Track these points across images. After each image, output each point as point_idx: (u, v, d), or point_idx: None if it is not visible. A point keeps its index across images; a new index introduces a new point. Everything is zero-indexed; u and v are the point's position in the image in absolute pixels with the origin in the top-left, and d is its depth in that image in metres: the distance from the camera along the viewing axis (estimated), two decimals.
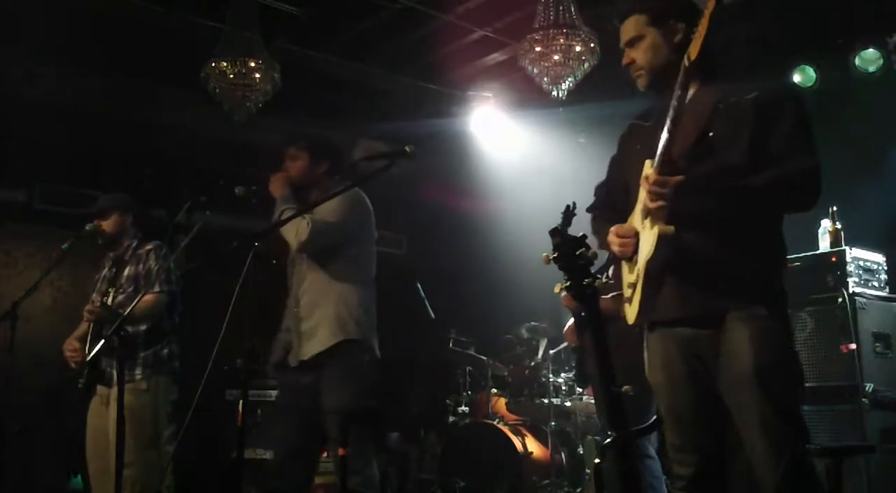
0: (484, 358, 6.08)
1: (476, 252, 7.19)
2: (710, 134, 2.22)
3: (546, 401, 5.61)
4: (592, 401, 5.41)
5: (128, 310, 3.37)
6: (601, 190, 4.04)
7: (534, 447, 5.42)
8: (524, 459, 5.30)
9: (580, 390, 5.67)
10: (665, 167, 2.18)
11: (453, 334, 6.33)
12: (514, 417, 5.84)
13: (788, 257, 2.37)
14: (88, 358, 3.68)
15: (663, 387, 2.37)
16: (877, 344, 4.30)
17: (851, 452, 3.62)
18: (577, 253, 1.99)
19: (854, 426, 4.09)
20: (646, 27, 2.39)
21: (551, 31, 4.11)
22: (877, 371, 4.23)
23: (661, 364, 2.36)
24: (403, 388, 6.78)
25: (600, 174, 4.12)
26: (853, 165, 4.70)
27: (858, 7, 4.86)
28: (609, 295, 3.66)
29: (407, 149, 2.98)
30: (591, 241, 2.04)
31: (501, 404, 5.96)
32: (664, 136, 2.19)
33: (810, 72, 5.17)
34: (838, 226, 4.52)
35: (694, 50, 2.19)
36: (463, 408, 6.11)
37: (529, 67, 4.26)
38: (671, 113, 2.20)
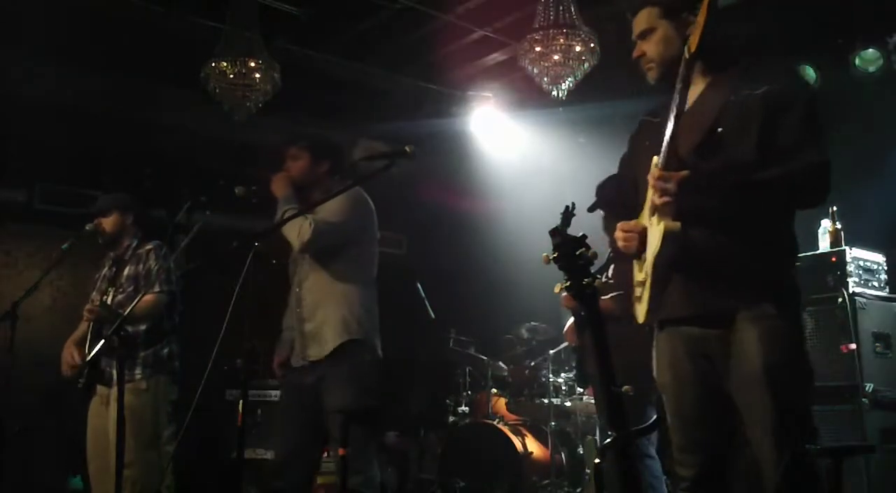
0: (484, 358, 6.08)
1: (476, 252, 7.19)
2: (719, 130, 2.20)
3: (546, 401, 5.62)
4: (592, 401, 5.41)
5: (128, 310, 3.37)
6: (602, 189, 4.05)
7: (534, 447, 5.42)
8: (524, 459, 5.30)
9: (580, 390, 5.67)
10: (670, 163, 2.16)
11: (453, 334, 6.33)
12: (514, 417, 5.84)
13: None
14: (88, 358, 3.68)
15: (670, 386, 2.35)
16: (877, 344, 4.30)
17: (851, 452, 3.62)
18: (577, 253, 1.99)
19: (854, 426, 4.09)
20: (658, 19, 2.37)
21: (551, 31, 4.10)
22: (877, 371, 4.23)
23: (669, 363, 2.35)
24: (403, 388, 6.78)
25: (600, 174, 4.12)
26: (853, 165, 4.69)
27: (858, 7, 4.85)
28: (608, 295, 3.67)
29: (407, 149, 2.98)
30: (592, 241, 2.03)
31: (501, 404, 5.96)
32: (668, 131, 2.18)
33: (810, 72, 5.16)
34: (838, 226, 4.52)
35: (693, 42, 2.19)
36: (463, 408, 6.11)
37: (529, 67, 4.26)
38: (673, 109, 2.19)
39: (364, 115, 6.33)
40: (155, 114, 5.83)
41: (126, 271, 4.00)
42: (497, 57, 5.63)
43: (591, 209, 3.99)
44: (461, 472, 5.46)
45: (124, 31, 5.00)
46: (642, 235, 2.31)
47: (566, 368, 5.86)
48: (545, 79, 4.28)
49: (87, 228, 4.07)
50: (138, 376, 3.85)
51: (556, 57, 4.16)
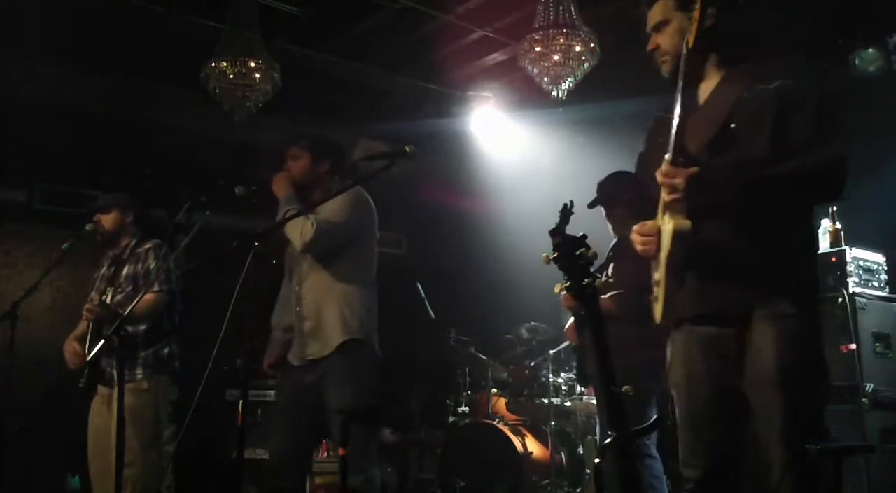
0: (484, 358, 6.08)
1: (476, 252, 7.19)
2: (732, 126, 2.17)
3: (546, 401, 5.61)
4: (593, 401, 5.41)
5: (127, 310, 3.37)
6: (603, 187, 4.05)
7: (534, 447, 5.42)
8: (524, 459, 5.30)
9: (581, 389, 5.67)
10: (678, 159, 2.14)
11: (453, 334, 6.32)
12: (514, 417, 5.83)
13: None
14: (88, 358, 3.68)
15: (681, 385, 2.33)
16: (877, 344, 4.30)
17: (851, 452, 3.61)
18: (577, 253, 1.99)
19: (854, 426, 4.09)
20: (672, 11, 2.33)
21: (551, 31, 4.10)
22: (877, 371, 4.23)
23: (682, 362, 2.32)
24: (403, 388, 6.78)
25: (600, 174, 4.14)
26: (853, 165, 4.69)
27: (858, 7, 4.85)
28: (607, 295, 3.67)
29: (407, 149, 2.98)
30: (592, 241, 2.03)
31: (501, 404, 5.96)
32: (674, 127, 2.16)
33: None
34: (838, 226, 4.52)
35: (691, 37, 2.18)
36: (463, 408, 6.11)
37: (529, 67, 4.25)
38: (677, 106, 2.18)
39: (364, 115, 6.33)
40: (155, 114, 5.83)
41: (125, 271, 3.99)
42: (497, 57, 5.63)
43: (591, 205, 4.01)
44: (461, 472, 5.45)
45: (124, 31, 5.00)
46: (659, 235, 2.28)
47: (566, 368, 5.86)
48: (545, 79, 4.28)
49: (87, 227, 4.08)
50: (139, 377, 3.85)
51: (556, 57, 4.16)
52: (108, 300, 3.90)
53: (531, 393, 5.85)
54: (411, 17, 5.06)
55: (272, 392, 5.35)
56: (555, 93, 4.34)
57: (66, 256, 4.06)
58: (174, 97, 5.65)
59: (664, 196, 2.16)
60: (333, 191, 3.44)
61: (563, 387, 5.77)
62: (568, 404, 5.70)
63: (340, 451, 3.15)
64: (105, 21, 4.86)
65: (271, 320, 3.76)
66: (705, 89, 2.33)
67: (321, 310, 3.50)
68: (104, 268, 4.15)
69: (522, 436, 5.45)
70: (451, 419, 6.09)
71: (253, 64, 4.40)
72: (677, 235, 2.14)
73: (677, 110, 2.17)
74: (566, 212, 2.13)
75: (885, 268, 4.58)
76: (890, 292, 4.54)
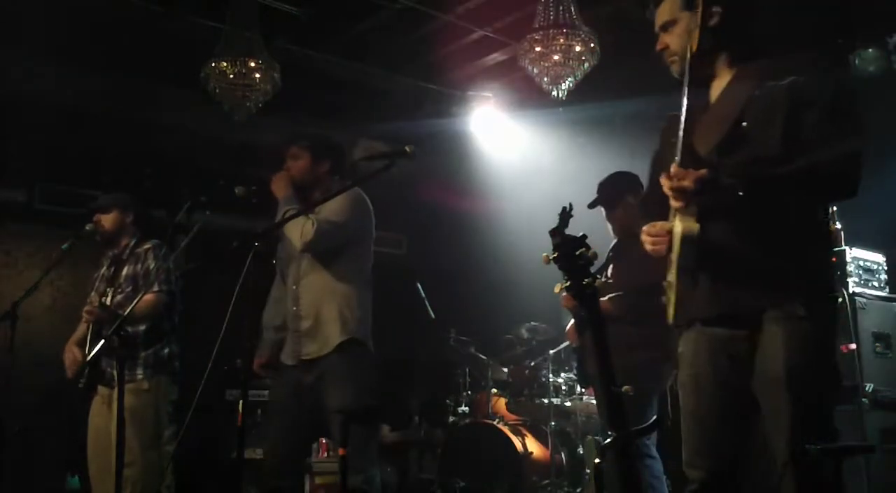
0: (484, 358, 6.08)
1: (476, 252, 7.18)
2: (744, 124, 2.14)
3: (546, 401, 5.61)
4: (593, 401, 5.41)
5: (127, 310, 3.36)
6: (603, 187, 4.05)
7: (534, 447, 5.42)
8: (524, 459, 5.29)
9: (581, 389, 5.67)
10: (686, 161, 2.12)
11: (453, 334, 6.32)
12: (514, 417, 5.83)
13: None
14: (88, 358, 3.68)
15: (689, 386, 2.31)
16: (877, 344, 4.30)
17: (851, 452, 3.61)
18: (577, 253, 1.99)
19: (854, 426, 4.09)
20: (680, 11, 2.30)
21: (551, 31, 4.10)
22: (877, 371, 4.23)
23: (690, 363, 2.30)
24: (403, 388, 6.78)
25: (600, 174, 4.14)
26: None
27: (858, 7, 4.85)
28: (606, 297, 3.67)
29: (407, 149, 2.97)
30: (592, 241, 2.03)
31: (501, 404, 5.95)
32: (681, 130, 2.14)
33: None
34: (838, 226, 4.51)
35: (694, 42, 2.17)
36: (463, 408, 6.10)
37: (529, 67, 4.25)
38: (683, 111, 2.16)
39: (364, 115, 6.33)
40: (155, 114, 5.83)
41: (125, 271, 3.99)
42: (497, 57, 5.63)
43: (591, 206, 4.01)
44: (461, 472, 5.45)
45: (124, 31, 5.00)
46: (669, 236, 2.26)
47: (566, 368, 5.86)
48: (545, 79, 4.27)
49: (87, 227, 4.08)
50: (139, 377, 3.85)
51: (556, 57, 4.16)
52: (108, 301, 3.90)
53: (531, 393, 5.84)
54: (411, 17, 5.06)
55: None
56: (555, 93, 4.34)
57: (66, 256, 4.06)
58: (174, 97, 5.65)
59: (672, 200, 2.14)
60: (333, 191, 3.44)
61: (563, 387, 5.77)
62: (568, 404, 5.70)
63: (340, 451, 3.15)
64: (105, 21, 4.86)
65: (262, 319, 3.75)
66: (717, 87, 2.31)
67: (320, 309, 3.49)
68: (103, 268, 4.15)
69: (522, 436, 5.45)
70: (451, 418, 6.09)
71: (253, 64, 4.40)
72: (685, 239, 2.13)
73: (683, 113, 2.15)
74: (565, 215, 2.13)
75: (885, 268, 4.58)
76: (890, 292, 4.54)
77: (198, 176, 5.55)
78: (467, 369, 6.22)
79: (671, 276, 2.27)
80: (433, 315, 6.33)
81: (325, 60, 5.56)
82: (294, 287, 3.58)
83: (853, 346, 4.18)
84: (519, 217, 6.38)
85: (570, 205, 2.20)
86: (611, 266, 3.99)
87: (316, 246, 3.45)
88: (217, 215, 3.48)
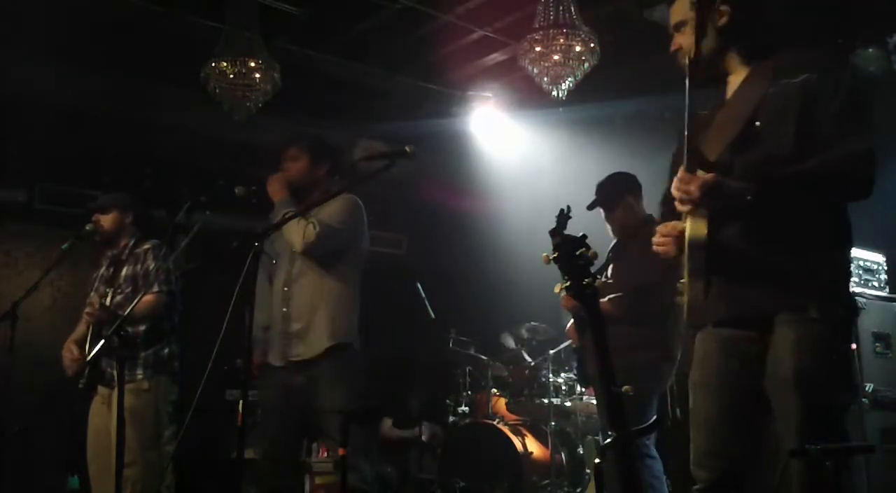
0: (484, 358, 6.08)
1: (476, 252, 7.18)
2: (757, 124, 2.12)
3: (546, 401, 5.61)
4: (593, 401, 5.41)
5: (127, 311, 3.36)
6: (601, 188, 4.05)
7: (534, 447, 5.42)
8: (524, 459, 5.29)
9: (581, 389, 5.67)
10: (693, 165, 2.11)
11: (453, 334, 6.33)
12: (514, 417, 5.83)
13: None
14: (88, 358, 3.68)
15: (699, 387, 2.30)
16: (877, 344, 4.30)
17: (851, 452, 3.61)
18: (577, 253, 1.99)
19: (854, 426, 4.08)
20: (690, 11, 2.27)
21: (551, 31, 4.09)
22: (877, 371, 4.22)
23: (701, 364, 2.30)
24: (403, 388, 6.78)
25: (600, 174, 4.14)
26: None
27: (858, 7, 4.85)
28: (606, 298, 3.67)
29: (407, 149, 2.97)
30: (591, 241, 2.03)
31: (501, 404, 5.96)
32: (685, 134, 2.13)
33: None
34: None
35: (692, 51, 2.17)
36: (463, 408, 6.11)
37: (529, 67, 4.25)
38: (686, 118, 2.15)
39: (364, 115, 6.33)
40: (155, 114, 5.83)
41: (124, 272, 3.99)
42: (497, 57, 5.63)
43: (590, 207, 4.01)
44: (461, 472, 5.45)
45: (124, 31, 4.99)
46: (679, 237, 2.25)
47: (566, 368, 5.86)
48: (545, 79, 4.27)
49: (86, 227, 4.08)
50: (140, 377, 3.85)
51: (556, 57, 4.16)
52: (108, 302, 3.90)
53: (531, 393, 5.85)
54: (411, 17, 5.05)
55: None
56: (555, 93, 4.33)
57: (66, 256, 4.05)
58: (174, 97, 5.65)
59: (678, 204, 2.14)
60: (332, 193, 3.44)
61: (563, 387, 5.77)
62: (568, 404, 5.70)
63: (340, 451, 3.15)
64: (105, 21, 4.86)
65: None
66: (733, 84, 2.29)
67: (313, 312, 3.50)
68: (102, 268, 4.15)
69: (522, 436, 5.45)
70: (451, 418, 6.09)
71: (253, 64, 4.39)
72: (691, 243, 2.12)
73: (687, 117, 2.14)
74: (563, 217, 2.13)
75: (885, 268, 4.57)
76: (890, 292, 4.53)
77: (198, 176, 5.54)
78: (467, 369, 6.22)
79: (685, 277, 2.26)
80: (433, 315, 6.33)
81: (324, 60, 5.55)
82: (285, 289, 3.57)
83: (853, 346, 4.17)
84: (519, 217, 6.38)
85: (569, 207, 2.20)
86: (610, 266, 3.99)
87: (317, 248, 3.45)
88: (217, 215, 3.48)
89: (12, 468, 4.00)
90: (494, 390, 5.99)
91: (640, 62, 5.07)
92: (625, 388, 1.97)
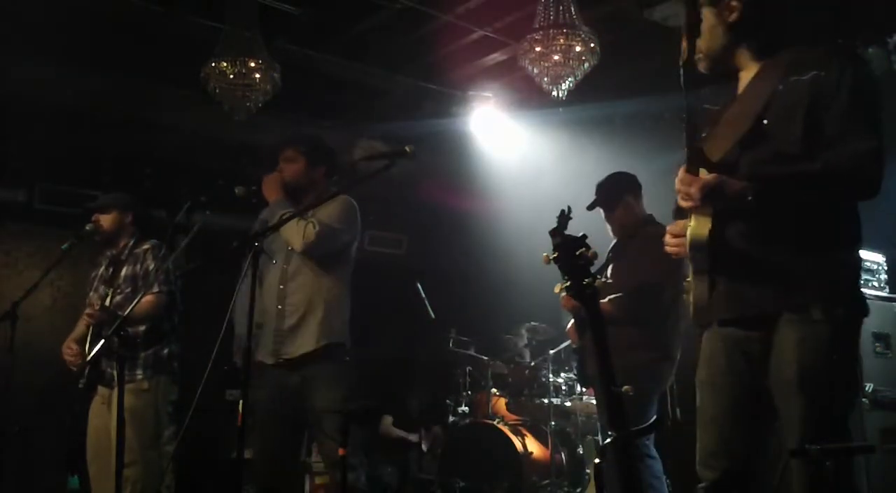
0: (484, 358, 6.08)
1: (476, 252, 7.18)
2: (765, 121, 2.10)
3: (546, 401, 5.61)
4: (593, 401, 5.41)
5: (127, 311, 3.36)
6: (601, 188, 4.05)
7: (534, 447, 5.42)
8: (524, 459, 5.30)
9: (581, 389, 5.68)
10: (692, 165, 2.10)
11: (453, 334, 6.32)
12: (514, 417, 5.83)
13: None
14: (88, 358, 3.68)
15: (705, 385, 2.29)
16: (877, 344, 4.30)
17: (851, 452, 3.61)
18: (577, 253, 1.99)
19: (854, 426, 4.08)
20: (702, 8, 2.27)
21: (551, 31, 4.09)
22: (877, 371, 4.22)
23: (707, 363, 2.29)
24: (403, 388, 6.78)
25: (600, 174, 4.14)
26: None
27: (858, 7, 4.85)
28: (606, 298, 3.67)
29: (407, 149, 2.98)
30: (591, 241, 2.03)
31: (501, 404, 5.96)
32: (684, 134, 2.13)
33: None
34: None
35: (684, 51, 2.17)
36: (463, 408, 6.11)
37: (529, 67, 4.25)
38: (685, 120, 2.15)
39: (364, 115, 6.32)
40: (155, 114, 5.83)
41: (124, 272, 3.99)
42: (497, 57, 5.62)
43: (590, 207, 4.01)
44: (461, 472, 5.45)
45: (124, 31, 4.99)
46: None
47: (566, 368, 5.86)
48: (545, 79, 4.27)
49: (86, 227, 4.08)
50: (139, 377, 3.85)
51: (556, 57, 4.16)
52: (108, 303, 3.90)
53: (531, 393, 5.85)
54: (411, 17, 5.05)
55: None
56: (555, 93, 4.33)
57: (66, 256, 4.05)
58: (174, 97, 5.64)
59: (681, 203, 2.13)
60: (328, 194, 3.45)
61: (563, 387, 5.77)
62: (568, 404, 5.70)
63: (340, 451, 3.16)
64: (105, 21, 4.85)
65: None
66: (745, 79, 2.28)
67: (308, 310, 3.52)
68: (101, 268, 4.15)
69: (522, 436, 5.45)
70: (452, 418, 6.09)
71: (253, 64, 4.39)
72: (692, 243, 2.12)
73: (685, 123, 2.14)
74: (564, 217, 2.13)
75: (885, 268, 4.57)
76: (890, 292, 4.53)
77: (198, 176, 5.54)
78: (467, 369, 6.22)
79: (690, 277, 2.26)
80: (433, 315, 6.33)
81: (324, 60, 5.55)
82: (281, 287, 3.58)
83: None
84: (519, 217, 6.37)
85: (569, 207, 2.20)
86: (610, 267, 3.99)
87: (316, 249, 3.46)
88: (217, 215, 3.48)
89: (12, 468, 4.01)
90: (494, 390, 5.99)
91: (640, 62, 5.07)
92: (625, 388, 1.97)
